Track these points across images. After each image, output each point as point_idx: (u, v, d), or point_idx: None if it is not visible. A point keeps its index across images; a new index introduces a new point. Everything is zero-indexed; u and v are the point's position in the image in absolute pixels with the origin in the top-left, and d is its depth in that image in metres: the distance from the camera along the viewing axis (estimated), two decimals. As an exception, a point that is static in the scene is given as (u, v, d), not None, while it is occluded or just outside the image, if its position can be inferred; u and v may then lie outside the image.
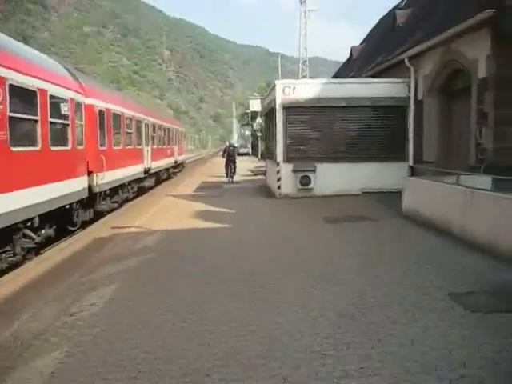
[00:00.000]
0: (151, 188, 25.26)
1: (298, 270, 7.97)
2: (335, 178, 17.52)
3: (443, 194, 11.02)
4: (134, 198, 20.94)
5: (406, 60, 17.38)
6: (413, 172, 14.31)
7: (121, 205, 18.33)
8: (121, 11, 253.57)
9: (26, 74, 9.65)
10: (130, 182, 19.94)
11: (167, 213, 15.19)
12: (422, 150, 17.14)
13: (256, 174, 30.92)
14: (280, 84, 18.25)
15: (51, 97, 10.95)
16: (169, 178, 31.92)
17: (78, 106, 13.12)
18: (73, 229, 13.10)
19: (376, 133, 18.00)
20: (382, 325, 5.51)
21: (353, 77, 24.66)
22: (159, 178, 28.37)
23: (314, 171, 17.66)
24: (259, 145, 53.67)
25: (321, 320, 5.70)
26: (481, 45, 13.03)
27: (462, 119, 15.02)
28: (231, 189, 22.73)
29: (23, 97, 9.64)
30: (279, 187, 18.12)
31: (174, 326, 5.69)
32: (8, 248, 9.21)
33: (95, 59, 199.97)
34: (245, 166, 38.75)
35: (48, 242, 11.23)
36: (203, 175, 31.93)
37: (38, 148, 10.17)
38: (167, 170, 31.52)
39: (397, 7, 28.16)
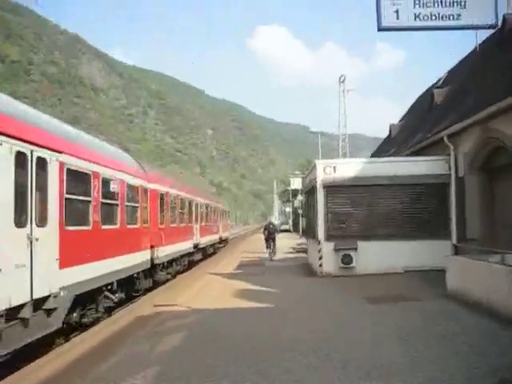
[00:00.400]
0: (199, 262, 27.19)
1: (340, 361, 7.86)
2: (377, 256, 17.35)
3: (488, 274, 10.79)
4: (183, 271, 22.68)
5: (445, 138, 17.51)
6: (456, 250, 14.12)
7: (174, 276, 20.27)
8: (165, 92, 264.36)
9: (114, 169, 12.76)
10: (182, 256, 22.26)
11: (210, 291, 15.27)
12: (465, 227, 16.93)
13: (298, 252, 30.83)
14: (320, 164, 18.56)
15: (128, 185, 13.90)
16: (214, 253, 34.05)
17: (144, 191, 15.92)
18: (136, 294, 15.39)
19: (417, 210, 17.91)
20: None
21: (392, 155, 24.85)
22: (206, 252, 30.38)
23: (355, 249, 17.57)
24: (300, 222, 53.75)
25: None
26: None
27: (505, 196, 14.90)
28: (272, 267, 22.71)
29: (110, 186, 12.45)
30: (321, 265, 18.04)
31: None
32: (92, 306, 11.34)
33: (140, 138, 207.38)
34: (286, 243, 38.73)
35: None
36: (244, 252, 32.01)
37: (117, 226, 12.84)
38: (213, 245, 33.62)
39: (434, 86, 28.65)
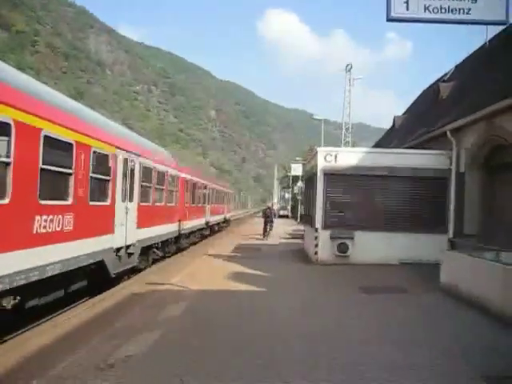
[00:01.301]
0: (207, 236, 32.09)
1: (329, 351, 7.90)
2: (373, 246, 17.41)
3: (483, 271, 10.84)
4: (195, 243, 27.31)
5: (448, 132, 17.45)
6: (452, 245, 14.15)
7: (190, 245, 25.66)
8: (171, 71, 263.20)
9: (165, 165, 18.77)
10: (198, 230, 27.94)
11: (205, 272, 15.37)
12: (463, 222, 16.95)
13: (294, 238, 30.93)
14: (322, 151, 18.53)
15: (170, 175, 19.31)
16: (219, 230, 39.05)
17: (177, 178, 21.05)
18: (169, 255, 20.15)
19: (416, 203, 17.93)
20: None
21: (395, 146, 24.81)
22: (213, 229, 35.45)
23: (352, 239, 17.62)
24: (298, 208, 53.83)
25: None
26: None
27: (505, 194, 14.89)
28: (268, 251, 22.77)
29: (161, 177, 17.91)
30: (316, 253, 18.10)
31: None
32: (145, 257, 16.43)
33: (143, 115, 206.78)
34: (283, 228, 38.85)
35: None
36: (242, 235, 32.15)
37: (163, 204, 18.32)
38: (218, 223, 38.76)
39: (440, 79, 28.52)
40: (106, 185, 12.00)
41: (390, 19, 8.77)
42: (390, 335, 8.48)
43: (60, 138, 9.22)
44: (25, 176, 7.92)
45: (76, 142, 9.89)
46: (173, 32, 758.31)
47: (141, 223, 14.71)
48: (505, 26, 15.37)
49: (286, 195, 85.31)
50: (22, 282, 7.89)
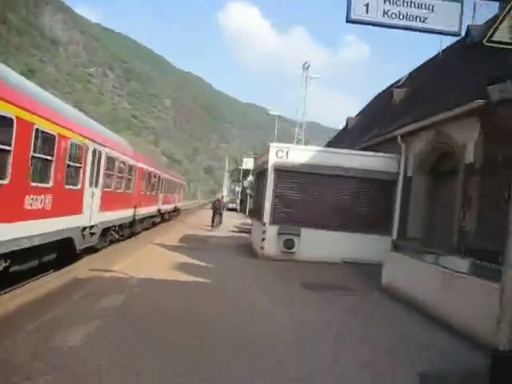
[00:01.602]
0: (158, 224, 32.94)
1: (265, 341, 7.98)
2: (318, 244, 17.61)
3: (422, 273, 11.15)
4: (147, 228, 28.11)
5: (398, 137, 17.86)
6: (395, 247, 14.49)
7: (143, 230, 26.56)
8: (127, 56, 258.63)
9: (127, 155, 20.17)
10: (150, 216, 29.07)
11: (149, 261, 15.26)
12: (407, 225, 17.38)
13: (241, 231, 31.01)
14: (274, 147, 18.63)
15: (127, 165, 20.33)
16: (170, 219, 40.01)
17: (134, 167, 21.90)
18: (121, 239, 20.80)
19: (363, 204, 18.28)
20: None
21: (347, 147, 25.16)
22: (164, 217, 36.33)
23: (298, 235, 17.80)
24: (248, 202, 53.95)
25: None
26: (470, 131, 13.46)
27: (447, 200, 15.31)
28: (215, 244, 22.78)
29: (120, 165, 18.87)
30: (262, 247, 18.20)
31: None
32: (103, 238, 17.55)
33: (97, 99, 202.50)
34: (231, 222, 38.91)
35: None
36: (189, 226, 32.05)
37: (122, 190, 19.59)
38: (169, 212, 39.89)
39: (394, 85, 29.11)
40: (78, 171, 13.49)
41: (349, 21, 8.82)
42: (325, 330, 8.63)
43: (46, 131, 10.66)
44: (20, 162, 9.42)
45: (58, 134, 11.38)
46: (132, 16, 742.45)
47: (103, 207, 16.19)
48: (458, 38, 15.80)
49: (236, 188, 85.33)
50: (15, 248, 9.40)
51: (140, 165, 23.42)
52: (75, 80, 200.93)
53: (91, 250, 15.97)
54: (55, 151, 11.28)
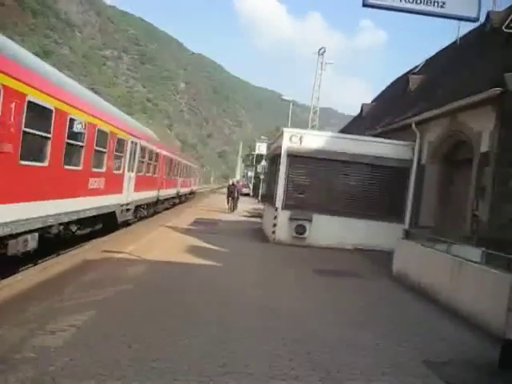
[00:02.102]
0: (177, 204, 36.80)
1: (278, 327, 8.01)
2: (330, 230, 17.62)
3: (433, 261, 11.12)
4: (167, 208, 31.58)
5: (413, 124, 17.73)
6: (407, 235, 14.44)
7: (166, 208, 30.68)
8: (142, 39, 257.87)
9: (152, 144, 23.03)
10: (170, 198, 32.52)
11: (161, 243, 15.32)
12: (419, 213, 17.32)
13: (253, 216, 31.02)
14: (288, 132, 18.54)
15: (154, 152, 23.50)
16: (186, 200, 43.45)
17: (159, 155, 25.15)
18: (148, 215, 24.33)
19: (375, 191, 18.19)
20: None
21: (361, 133, 24.99)
22: (181, 199, 39.83)
23: (310, 221, 17.79)
24: (260, 187, 53.90)
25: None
26: (485, 120, 13.34)
27: (461, 189, 15.24)
28: (226, 227, 22.81)
29: (151, 152, 22.57)
30: (274, 232, 18.23)
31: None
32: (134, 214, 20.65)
33: (111, 82, 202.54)
34: (243, 206, 38.90)
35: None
36: (201, 210, 32.13)
37: (150, 174, 23.14)
38: (186, 195, 43.34)
39: (410, 72, 28.81)
40: (121, 160, 17.07)
41: (366, 5, 8.77)
42: (336, 316, 8.65)
43: (102, 130, 14.38)
44: (87, 153, 13.15)
45: (110, 132, 15.21)
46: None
47: (136, 188, 19.56)
48: (476, 23, 15.59)
49: (249, 173, 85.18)
50: (83, 216, 13.38)
51: (164, 152, 26.62)
52: (90, 62, 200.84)
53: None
54: (108, 145, 14.92)
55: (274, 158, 21.96)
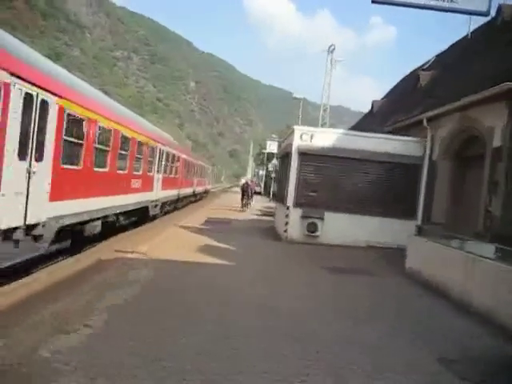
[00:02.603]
0: (193, 202, 40.48)
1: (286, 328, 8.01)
2: (342, 228, 17.59)
3: (446, 258, 11.06)
4: (185, 205, 35.14)
5: (424, 120, 17.61)
6: (420, 231, 14.37)
7: (184, 206, 34.02)
8: (152, 39, 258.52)
9: (173, 149, 26.07)
10: (188, 196, 36.06)
11: (173, 243, 15.35)
12: (431, 210, 17.23)
13: (265, 215, 31.05)
14: (298, 130, 18.52)
15: (176, 156, 26.93)
16: (201, 199, 46.58)
17: (179, 158, 28.45)
18: (170, 211, 28.00)
19: (388, 188, 18.10)
20: None
21: (372, 130, 24.92)
22: (196, 197, 43.12)
23: (322, 219, 17.76)
24: (272, 186, 53.90)
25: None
26: (498, 115, 13.24)
27: (473, 185, 15.13)
28: (238, 226, 22.84)
29: (172, 157, 25.77)
30: (286, 231, 18.21)
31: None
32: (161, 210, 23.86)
33: (121, 82, 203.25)
34: (255, 205, 39.01)
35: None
36: (213, 209, 32.17)
37: (173, 175, 26.34)
38: (201, 193, 46.54)
39: (421, 68, 28.68)
40: (152, 163, 20.35)
41: (374, 1, 8.71)
42: (348, 312, 8.64)
43: (140, 141, 17.92)
44: (130, 160, 16.69)
45: (146, 143, 18.87)
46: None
47: (162, 187, 22.85)
48: (487, 18, 15.49)
49: (260, 172, 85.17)
50: (126, 209, 16.79)
51: (183, 156, 29.98)
52: (101, 63, 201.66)
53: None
54: (143, 152, 18.48)
55: (284, 157, 21.93)
